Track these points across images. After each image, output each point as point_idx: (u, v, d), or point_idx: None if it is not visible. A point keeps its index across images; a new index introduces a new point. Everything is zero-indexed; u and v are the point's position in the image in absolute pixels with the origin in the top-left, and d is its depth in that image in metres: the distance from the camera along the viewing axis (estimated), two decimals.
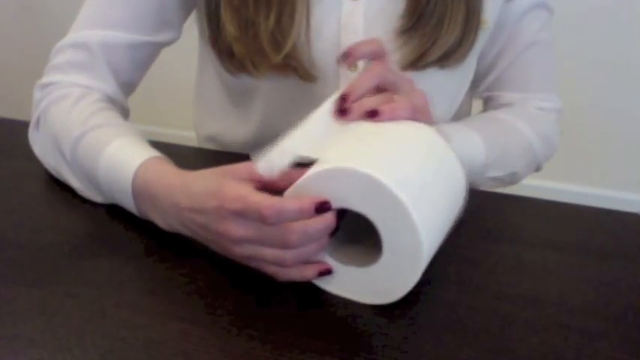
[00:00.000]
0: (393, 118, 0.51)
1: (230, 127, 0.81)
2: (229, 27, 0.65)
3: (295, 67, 0.67)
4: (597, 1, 1.75)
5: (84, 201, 0.62)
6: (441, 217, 0.48)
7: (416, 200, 0.44)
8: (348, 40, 0.68)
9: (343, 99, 0.51)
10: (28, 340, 0.45)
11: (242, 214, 0.46)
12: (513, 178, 0.75)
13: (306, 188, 0.46)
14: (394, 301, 0.48)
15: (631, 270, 0.55)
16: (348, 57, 0.54)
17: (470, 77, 0.78)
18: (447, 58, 0.68)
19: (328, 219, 0.46)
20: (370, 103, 0.51)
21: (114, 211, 0.60)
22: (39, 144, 0.67)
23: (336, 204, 0.46)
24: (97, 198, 0.62)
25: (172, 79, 1.83)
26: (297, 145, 0.49)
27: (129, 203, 0.58)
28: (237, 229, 0.47)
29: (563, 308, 0.50)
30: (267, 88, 0.72)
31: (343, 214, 0.47)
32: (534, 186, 0.78)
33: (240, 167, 0.49)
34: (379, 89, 0.53)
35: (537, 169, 0.79)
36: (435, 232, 0.47)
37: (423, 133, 0.51)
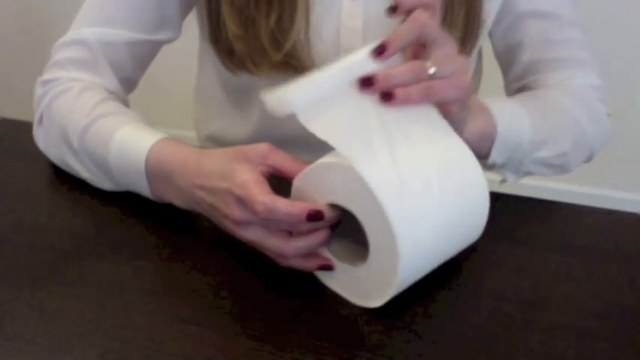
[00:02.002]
0: (406, 103, 0.48)
1: (230, 126, 0.81)
2: (231, 25, 0.66)
3: (295, 66, 0.67)
4: (596, 2, 1.75)
5: (84, 201, 0.62)
6: (435, 228, 0.46)
7: (400, 207, 0.43)
8: (348, 40, 0.68)
9: (382, 47, 0.48)
10: (28, 340, 0.45)
11: (242, 202, 0.48)
12: (563, 161, 0.69)
13: (307, 180, 0.48)
14: (377, 307, 0.47)
15: (631, 270, 0.55)
16: (395, 10, 0.50)
17: (470, 75, 0.78)
18: None
19: (329, 213, 0.47)
20: (394, 77, 0.48)
21: (114, 211, 0.60)
22: (43, 139, 0.67)
23: (330, 198, 0.47)
24: (106, 185, 0.62)
25: (172, 79, 1.83)
26: (305, 95, 0.47)
27: (142, 185, 0.58)
28: (239, 214, 0.49)
29: (563, 308, 0.50)
30: (267, 87, 0.72)
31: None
32: (534, 186, 0.78)
33: (254, 150, 0.51)
34: (417, 46, 0.50)
35: (590, 154, 0.73)
36: (424, 241, 0.46)
37: (442, 136, 0.49)
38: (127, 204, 0.60)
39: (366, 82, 0.47)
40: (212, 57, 0.73)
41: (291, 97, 0.46)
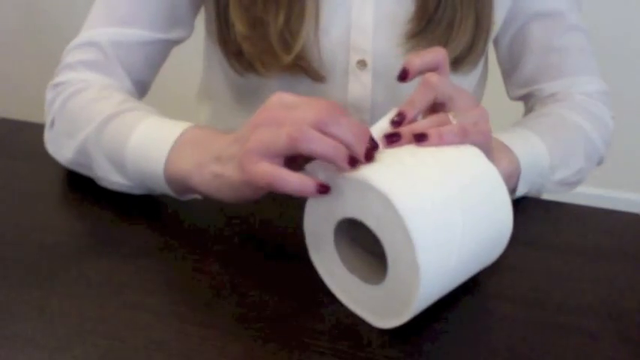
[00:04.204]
0: (441, 143, 0.48)
1: (238, 127, 0.81)
2: (238, 26, 0.65)
3: (304, 67, 0.67)
4: (598, 4, 1.75)
5: (84, 201, 0.62)
6: (459, 259, 0.45)
7: (427, 241, 0.42)
8: (358, 39, 0.68)
9: (400, 116, 0.49)
10: (28, 340, 0.45)
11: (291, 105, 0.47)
12: (580, 176, 0.70)
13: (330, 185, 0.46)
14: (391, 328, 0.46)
15: (631, 270, 0.55)
16: (405, 76, 0.50)
17: (477, 78, 0.78)
18: (460, 63, 0.68)
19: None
20: (419, 126, 0.48)
21: (114, 211, 0.60)
22: (54, 141, 0.65)
23: (351, 214, 0.45)
24: (113, 178, 0.59)
25: (174, 78, 1.83)
26: None
27: (158, 156, 0.54)
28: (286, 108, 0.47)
29: (563, 308, 0.50)
30: (275, 88, 0.72)
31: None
32: None
33: None
34: (435, 104, 0.50)
35: (600, 161, 0.75)
36: (446, 269, 0.44)
37: (470, 163, 0.48)
38: (127, 204, 0.60)
39: (392, 137, 0.48)
40: (219, 58, 0.72)
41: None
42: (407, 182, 0.43)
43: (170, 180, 0.55)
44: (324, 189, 0.45)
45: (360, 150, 0.45)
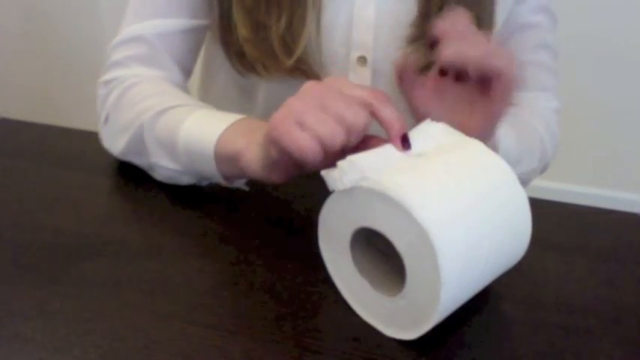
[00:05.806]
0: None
1: None
2: (241, 28, 0.66)
3: (305, 71, 0.67)
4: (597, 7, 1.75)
5: (85, 201, 0.62)
6: (477, 290, 0.45)
7: (453, 277, 0.41)
8: (359, 35, 0.68)
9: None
10: (28, 340, 0.45)
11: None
12: (529, 177, 0.73)
13: (353, 194, 0.45)
14: (410, 339, 0.46)
15: (631, 270, 0.55)
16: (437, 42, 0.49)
17: None
18: None
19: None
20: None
21: (115, 211, 0.60)
22: (109, 136, 0.66)
23: (370, 224, 0.45)
24: (165, 163, 0.60)
25: None
26: (368, 163, 0.45)
27: (212, 133, 0.56)
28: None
29: (563, 308, 0.50)
30: (270, 86, 0.72)
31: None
32: (534, 186, 0.79)
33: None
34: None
35: (544, 169, 0.78)
36: (463, 300, 0.45)
37: (495, 171, 0.48)
38: (127, 204, 0.60)
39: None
40: (221, 59, 0.73)
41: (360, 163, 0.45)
42: (444, 214, 0.42)
43: (220, 160, 0.56)
44: (320, 157, 0.45)
45: (398, 129, 0.46)
